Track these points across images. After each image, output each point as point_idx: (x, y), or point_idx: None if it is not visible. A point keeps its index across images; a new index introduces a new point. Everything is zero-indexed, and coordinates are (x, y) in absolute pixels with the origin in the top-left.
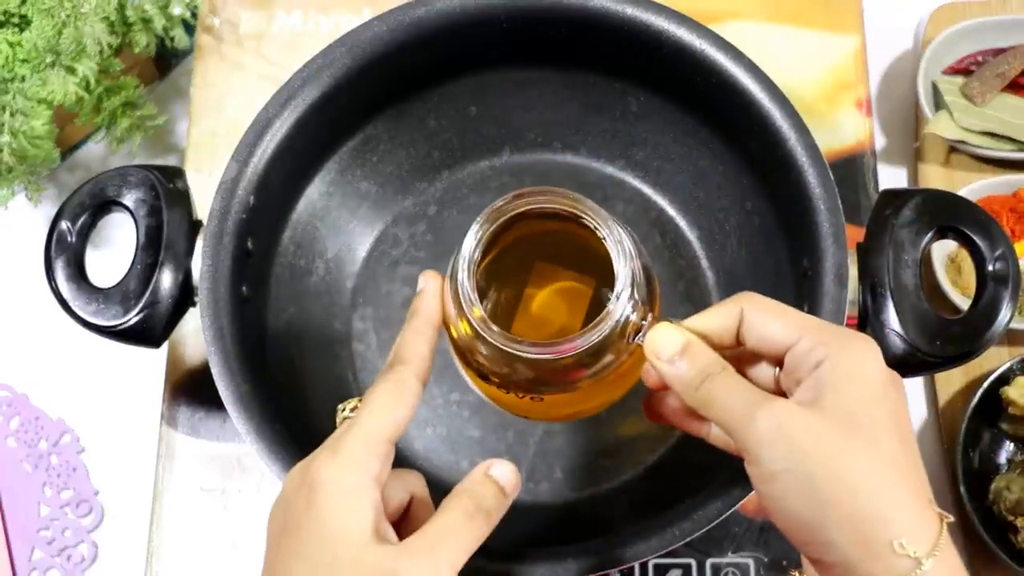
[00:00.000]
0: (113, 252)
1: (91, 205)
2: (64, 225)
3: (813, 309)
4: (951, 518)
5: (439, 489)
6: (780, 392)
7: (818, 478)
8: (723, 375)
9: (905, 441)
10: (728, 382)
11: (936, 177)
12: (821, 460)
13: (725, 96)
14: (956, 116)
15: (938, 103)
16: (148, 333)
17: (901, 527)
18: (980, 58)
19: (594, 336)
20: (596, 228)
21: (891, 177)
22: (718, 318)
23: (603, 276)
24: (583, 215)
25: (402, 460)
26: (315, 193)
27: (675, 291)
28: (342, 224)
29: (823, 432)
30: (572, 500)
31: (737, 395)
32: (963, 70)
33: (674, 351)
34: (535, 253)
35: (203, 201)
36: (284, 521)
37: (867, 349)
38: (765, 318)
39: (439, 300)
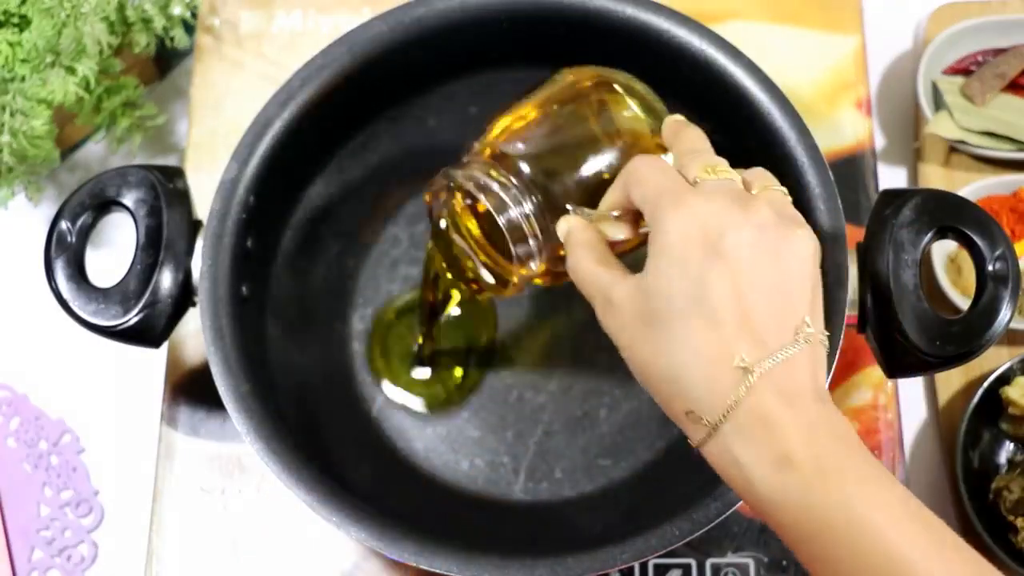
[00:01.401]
0: (113, 252)
1: (91, 205)
2: (64, 225)
3: None
4: (760, 369)
5: (439, 489)
6: None
7: (628, 359)
8: (578, 257)
9: (704, 313)
10: (583, 264)
11: (936, 177)
12: (628, 346)
13: (725, 96)
14: (956, 116)
15: (938, 103)
16: (148, 333)
17: (689, 400)
18: (980, 58)
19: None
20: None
21: (891, 177)
22: (613, 190)
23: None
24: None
25: (401, 459)
26: (315, 193)
27: None
28: (342, 224)
29: (631, 318)
30: (572, 500)
31: (593, 280)
32: (963, 70)
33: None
34: None
35: (203, 201)
36: None
37: (673, 219)
38: (635, 182)
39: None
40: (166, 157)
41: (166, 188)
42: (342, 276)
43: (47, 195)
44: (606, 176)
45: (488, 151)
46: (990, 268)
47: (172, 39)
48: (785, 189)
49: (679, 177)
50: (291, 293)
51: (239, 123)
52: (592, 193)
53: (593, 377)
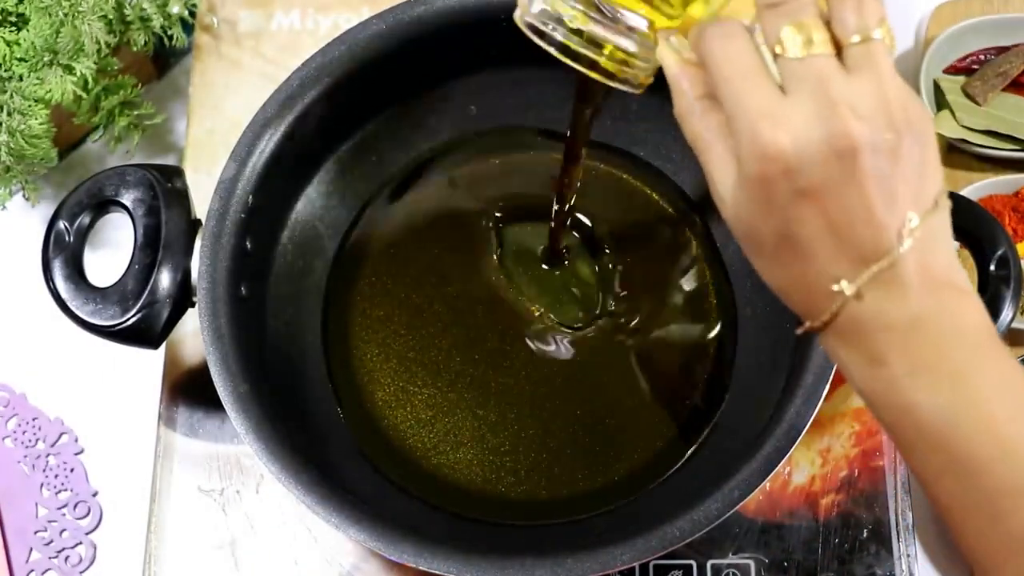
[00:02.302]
0: (111, 252)
1: (89, 205)
2: (62, 225)
3: None
4: (857, 284)
5: (438, 489)
6: None
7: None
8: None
9: (792, 248)
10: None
11: None
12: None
13: None
14: (958, 115)
15: (939, 102)
16: (146, 333)
17: (792, 304)
18: (982, 57)
19: None
20: None
21: None
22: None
23: None
24: None
25: (401, 458)
26: (314, 193)
27: (678, 287)
28: (341, 224)
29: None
30: (572, 500)
31: (718, 152)
32: (965, 69)
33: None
34: None
35: (202, 200)
36: None
37: (752, 150)
38: (705, 68)
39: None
40: (165, 156)
41: (164, 188)
42: (341, 276)
43: (45, 195)
44: None
45: None
46: (992, 268)
47: (170, 38)
48: (887, 28)
49: (758, 67)
50: (290, 293)
51: (238, 122)
52: None
53: (593, 377)
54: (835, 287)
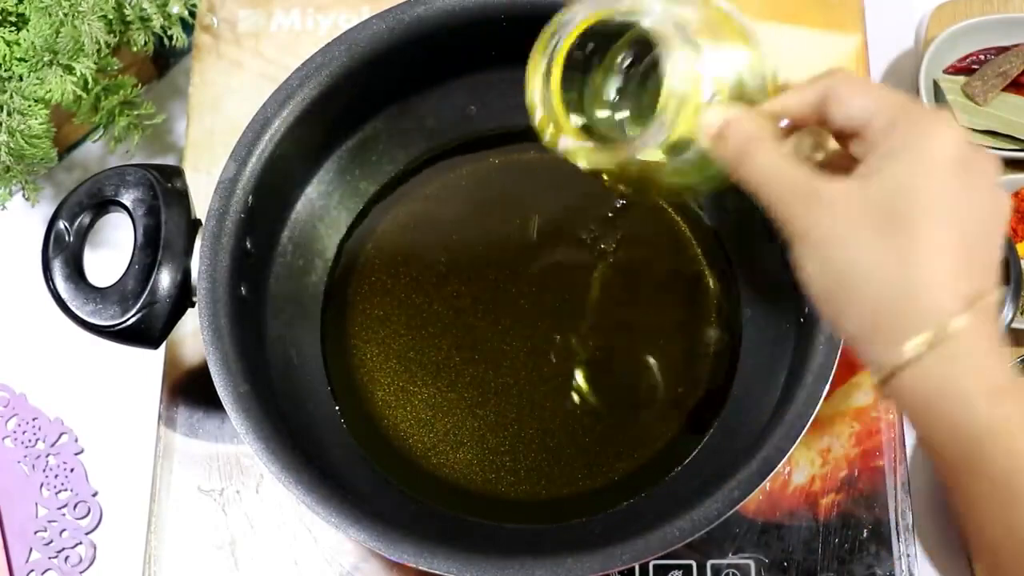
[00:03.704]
0: (111, 252)
1: (89, 205)
2: (62, 225)
3: (814, 308)
4: (999, 291)
5: (438, 489)
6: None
7: (841, 261)
8: (763, 151)
9: (954, 227)
10: (769, 158)
11: None
12: (852, 244)
13: None
14: (958, 115)
15: (939, 102)
16: (146, 333)
17: (918, 310)
18: (982, 56)
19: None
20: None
21: None
22: (799, 95)
23: None
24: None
25: (401, 458)
26: (314, 192)
27: (678, 287)
28: (341, 224)
29: (859, 215)
30: (571, 499)
31: (783, 174)
32: (965, 69)
33: (714, 126)
34: None
35: (202, 200)
36: None
37: (937, 123)
38: (853, 92)
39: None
40: (164, 156)
41: (164, 187)
42: (341, 275)
43: (45, 195)
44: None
45: None
46: None
47: (170, 38)
48: None
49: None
50: (290, 293)
51: (238, 122)
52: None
53: (594, 377)
54: (969, 288)
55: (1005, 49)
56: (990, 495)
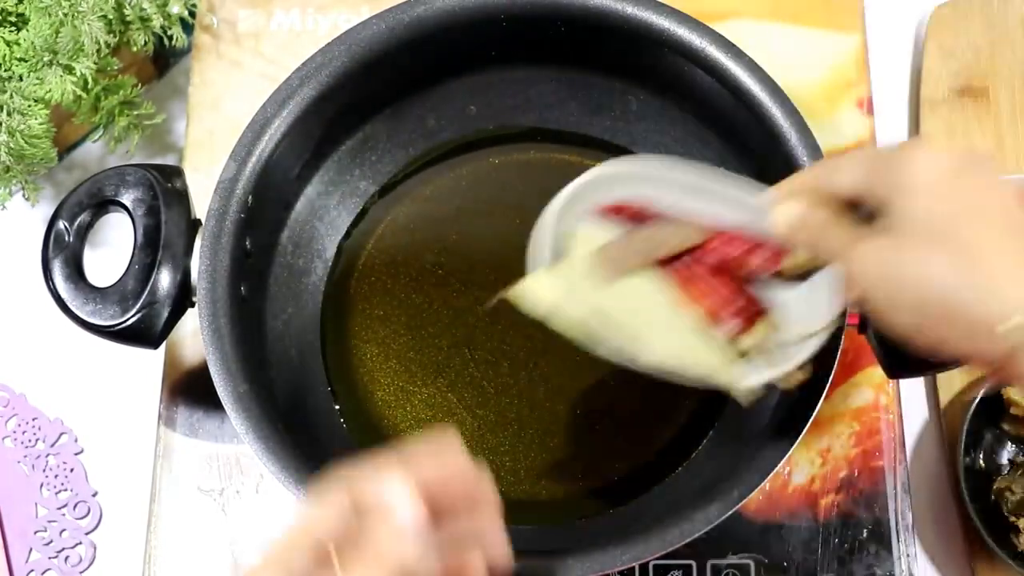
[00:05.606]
0: (111, 252)
1: (89, 205)
2: (62, 225)
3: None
4: None
5: None
6: None
7: (909, 295)
8: (829, 226)
9: (990, 217)
10: (832, 231)
11: None
12: (908, 279)
13: (726, 95)
14: (563, 282)
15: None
16: (146, 333)
17: (1001, 303)
18: (639, 210)
19: None
20: None
21: None
22: (804, 184)
23: None
24: None
25: None
26: (314, 192)
27: None
28: (341, 224)
29: (902, 253)
30: (571, 500)
31: (840, 240)
32: (629, 216)
33: (791, 223)
34: None
35: (201, 200)
36: None
37: (914, 160)
38: (838, 177)
39: None
40: (164, 156)
41: (164, 187)
42: (341, 275)
43: (45, 195)
44: None
45: None
46: None
47: (170, 38)
48: None
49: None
50: (290, 293)
51: (238, 122)
52: None
53: (593, 377)
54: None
55: (667, 217)
56: None
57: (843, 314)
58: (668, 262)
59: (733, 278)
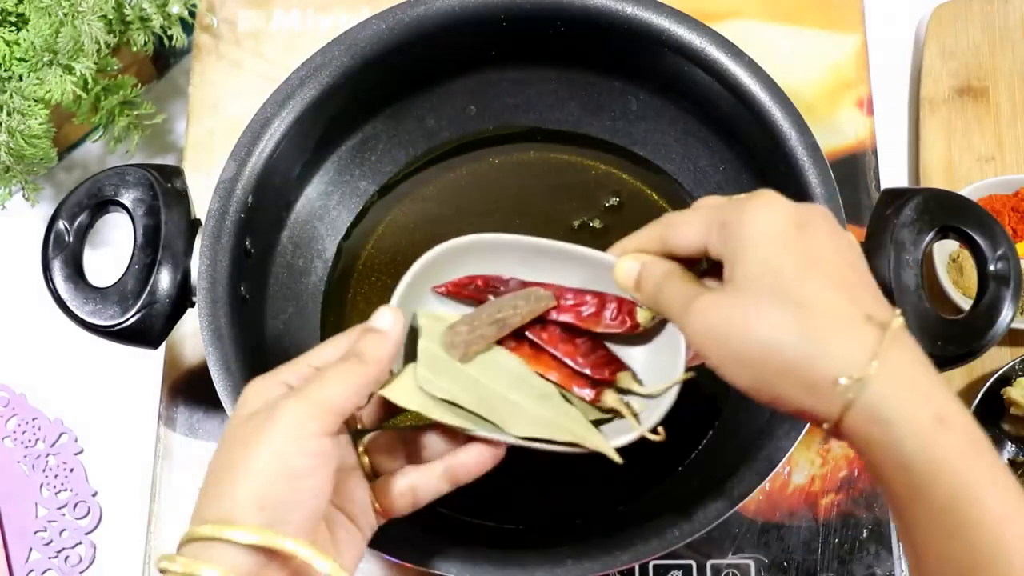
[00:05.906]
0: (111, 252)
1: (89, 205)
2: (61, 225)
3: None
4: (898, 315)
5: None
6: None
7: (744, 353)
8: (666, 283)
9: (826, 273)
10: (668, 287)
11: (937, 176)
12: (740, 337)
13: (726, 95)
14: (420, 373)
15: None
16: (146, 333)
17: (833, 360)
18: (481, 284)
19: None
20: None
21: (892, 176)
22: (646, 241)
23: None
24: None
25: None
26: (314, 192)
27: None
28: (341, 224)
29: (734, 310)
30: (572, 500)
31: (675, 298)
32: (466, 295)
33: (631, 280)
34: None
35: (201, 200)
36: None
37: (755, 210)
38: (678, 232)
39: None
40: (164, 156)
41: (164, 187)
42: (341, 275)
43: (45, 194)
44: None
45: None
46: (992, 268)
47: (170, 38)
48: None
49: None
50: (290, 293)
51: (237, 122)
52: None
53: None
54: (869, 317)
55: (515, 284)
56: (930, 524)
57: (691, 368)
58: (521, 331)
59: (590, 337)
